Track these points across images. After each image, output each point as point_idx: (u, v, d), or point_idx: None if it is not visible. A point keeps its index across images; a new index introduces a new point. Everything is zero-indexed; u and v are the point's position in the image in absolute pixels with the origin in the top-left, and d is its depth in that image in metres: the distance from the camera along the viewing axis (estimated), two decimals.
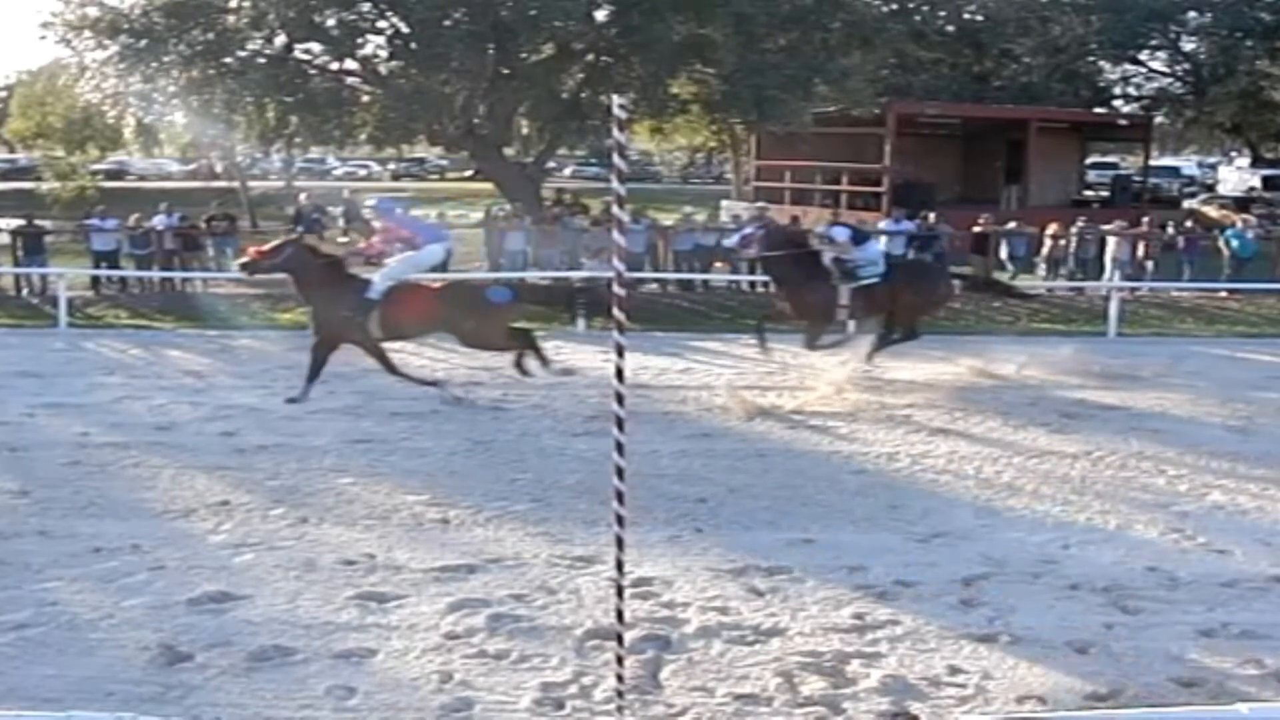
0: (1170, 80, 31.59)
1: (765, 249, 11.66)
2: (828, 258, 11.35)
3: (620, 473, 4.37)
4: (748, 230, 12.58)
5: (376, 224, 10.56)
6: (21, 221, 18.44)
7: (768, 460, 8.51)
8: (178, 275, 17.70)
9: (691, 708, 4.75)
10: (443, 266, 11.45)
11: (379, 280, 9.89)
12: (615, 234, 4.52)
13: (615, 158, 4.29)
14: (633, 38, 18.99)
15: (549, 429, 9.40)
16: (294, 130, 21.72)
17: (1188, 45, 30.53)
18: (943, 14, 27.46)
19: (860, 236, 11.86)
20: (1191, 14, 29.48)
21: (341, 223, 20.04)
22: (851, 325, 11.61)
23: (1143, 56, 31.26)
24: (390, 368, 10.16)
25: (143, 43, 18.63)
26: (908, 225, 19.22)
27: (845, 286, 11.24)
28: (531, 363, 10.16)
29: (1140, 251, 18.86)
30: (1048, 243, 18.95)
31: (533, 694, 4.83)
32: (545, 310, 12.38)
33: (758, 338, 11.66)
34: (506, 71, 19.44)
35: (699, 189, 40.60)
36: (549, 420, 9.71)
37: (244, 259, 10.71)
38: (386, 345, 10.16)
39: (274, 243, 10.73)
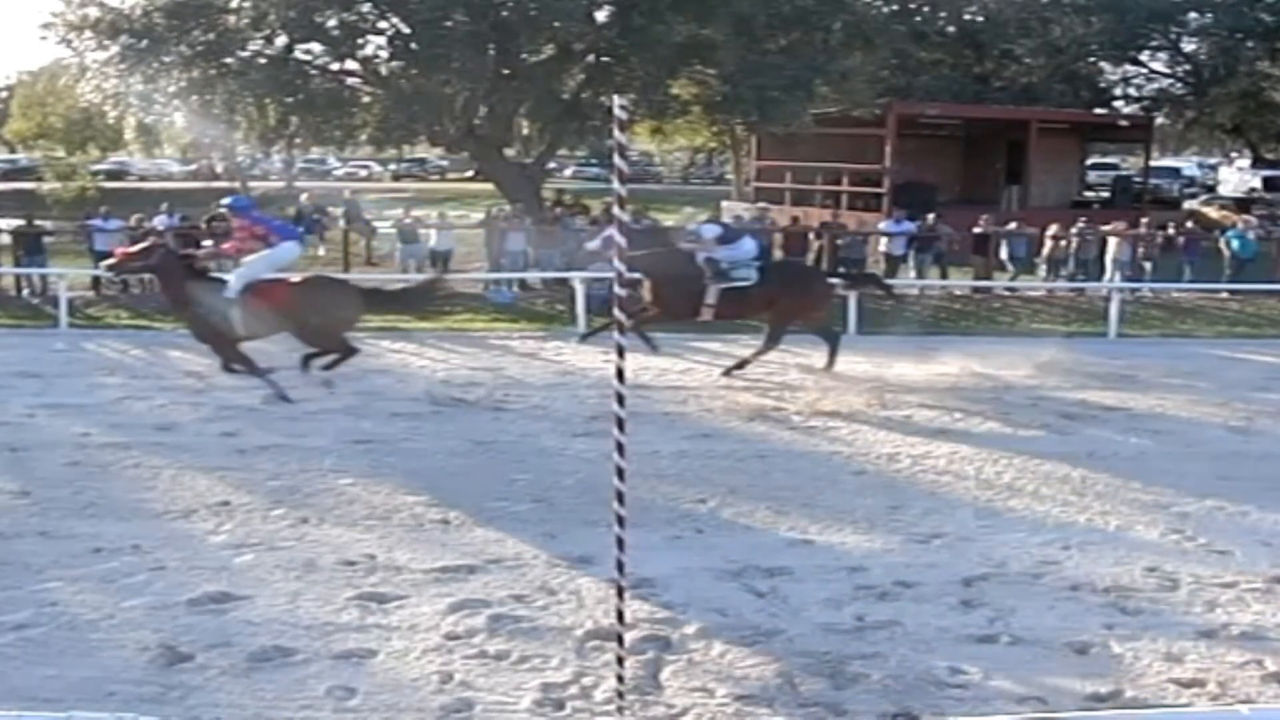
0: (1171, 81, 31.57)
1: (625, 250, 11.62)
2: (700, 257, 11.35)
3: (620, 473, 4.37)
4: (607, 231, 12.48)
5: (233, 223, 10.63)
6: (21, 222, 18.44)
7: (768, 461, 8.51)
8: None
9: (691, 708, 4.75)
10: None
11: (235, 279, 10.01)
12: (616, 234, 4.53)
13: (616, 158, 4.29)
14: (633, 38, 18.99)
15: (549, 429, 9.40)
16: (294, 131, 21.74)
17: (1188, 46, 30.50)
18: (943, 15, 27.51)
19: (732, 235, 11.82)
20: (1192, 15, 29.45)
21: (342, 223, 20.06)
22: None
23: (1143, 57, 31.24)
24: (228, 365, 10.16)
25: (143, 43, 18.65)
26: (908, 226, 19.22)
27: (715, 286, 11.20)
28: (315, 362, 10.19)
29: (1140, 252, 18.88)
30: (1048, 243, 18.94)
31: (533, 694, 4.83)
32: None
33: (642, 339, 11.50)
34: (507, 72, 19.44)
35: (700, 190, 40.61)
36: (549, 421, 9.72)
37: (110, 261, 10.92)
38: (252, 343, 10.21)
39: (141, 245, 10.92)
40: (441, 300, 11.29)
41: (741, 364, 11.49)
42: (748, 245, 11.75)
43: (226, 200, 11.46)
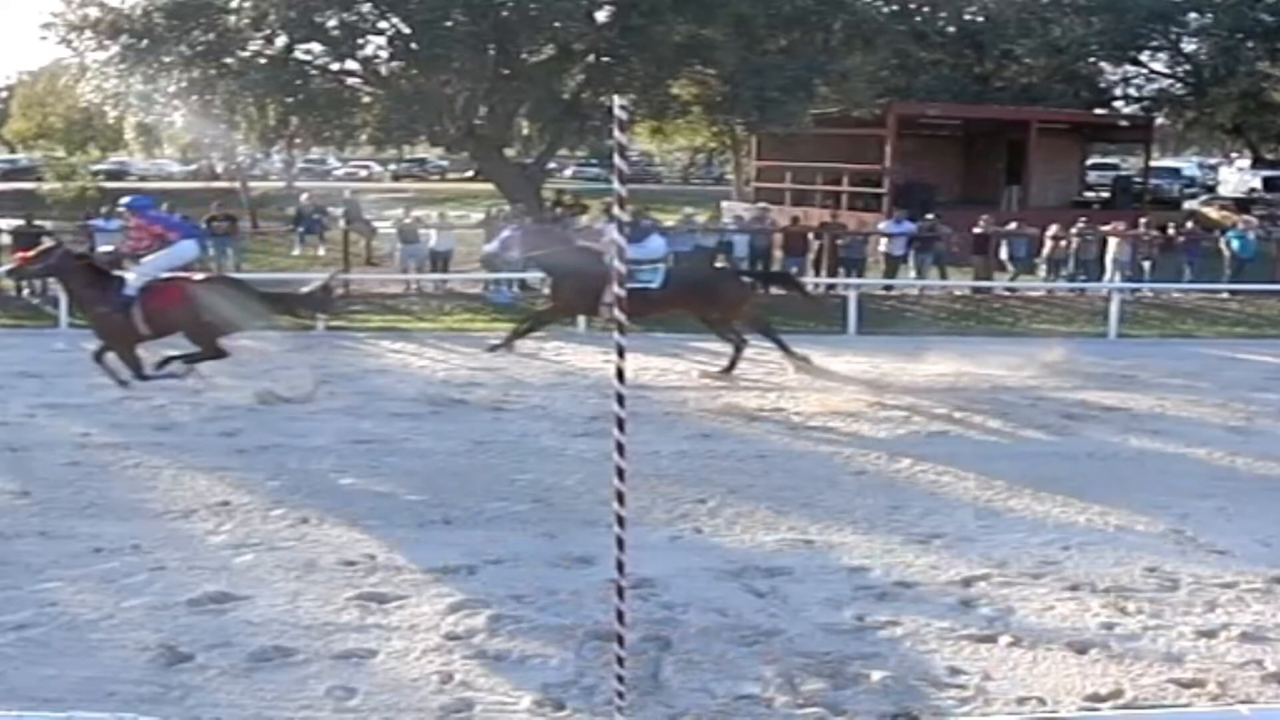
0: (1171, 81, 31.56)
1: (525, 249, 11.70)
2: (607, 256, 11.37)
3: (620, 473, 4.37)
4: (505, 233, 12.50)
5: (130, 222, 10.65)
6: (21, 222, 18.44)
7: (768, 461, 8.51)
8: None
9: (691, 708, 4.75)
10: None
11: (134, 278, 10.00)
12: (615, 235, 4.53)
13: (616, 158, 4.29)
14: (633, 38, 19.00)
15: (549, 429, 9.40)
16: (294, 131, 21.78)
17: (1188, 46, 30.49)
18: (943, 15, 27.51)
19: (638, 234, 11.82)
20: (1192, 15, 29.44)
21: (342, 223, 20.06)
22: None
23: (1143, 58, 31.23)
24: (138, 370, 10.14)
25: (144, 43, 18.66)
26: (909, 226, 19.23)
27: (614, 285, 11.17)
28: (174, 363, 10.19)
29: (1140, 252, 18.88)
30: (1048, 244, 18.95)
31: (533, 694, 4.83)
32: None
33: (517, 336, 11.70)
34: (507, 72, 19.45)
35: (700, 190, 40.60)
36: (549, 421, 9.71)
37: (9, 265, 10.92)
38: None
39: (40, 248, 10.95)
40: (342, 301, 11.25)
41: (729, 368, 11.48)
42: (654, 245, 11.76)
43: (125, 200, 11.43)
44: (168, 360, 10.18)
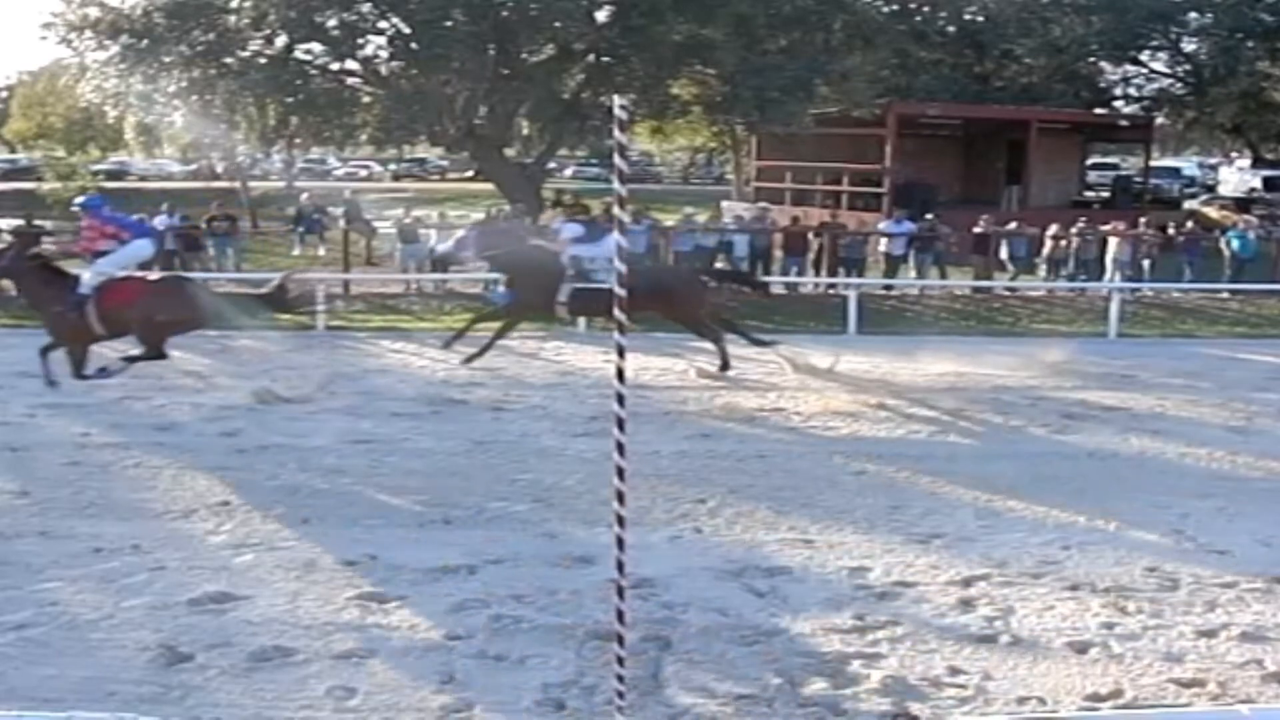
0: (1171, 81, 31.55)
1: (480, 249, 11.74)
2: (565, 255, 11.38)
3: (620, 473, 4.37)
4: (460, 234, 12.61)
5: (83, 222, 10.63)
6: (21, 222, 18.44)
7: (768, 460, 8.51)
8: None
9: (691, 708, 4.75)
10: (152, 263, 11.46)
11: (89, 277, 9.99)
12: (616, 234, 4.52)
13: (616, 158, 4.29)
14: (633, 38, 19.01)
15: (549, 429, 9.40)
16: (294, 131, 21.79)
17: (1188, 46, 30.48)
18: (943, 15, 27.50)
19: (595, 234, 11.84)
20: (1192, 15, 29.43)
21: (342, 223, 20.06)
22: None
23: (1143, 57, 31.22)
24: (78, 369, 10.12)
25: (144, 43, 18.66)
26: (908, 226, 19.22)
27: (568, 285, 11.23)
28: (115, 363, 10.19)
29: (1140, 251, 18.88)
30: (1048, 243, 18.94)
31: (533, 694, 4.83)
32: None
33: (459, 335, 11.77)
34: (507, 72, 19.46)
35: (700, 189, 40.59)
36: (549, 420, 9.71)
37: None
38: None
39: None
40: (298, 301, 11.24)
41: (723, 366, 11.48)
42: (611, 244, 11.74)
43: (79, 199, 11.45)
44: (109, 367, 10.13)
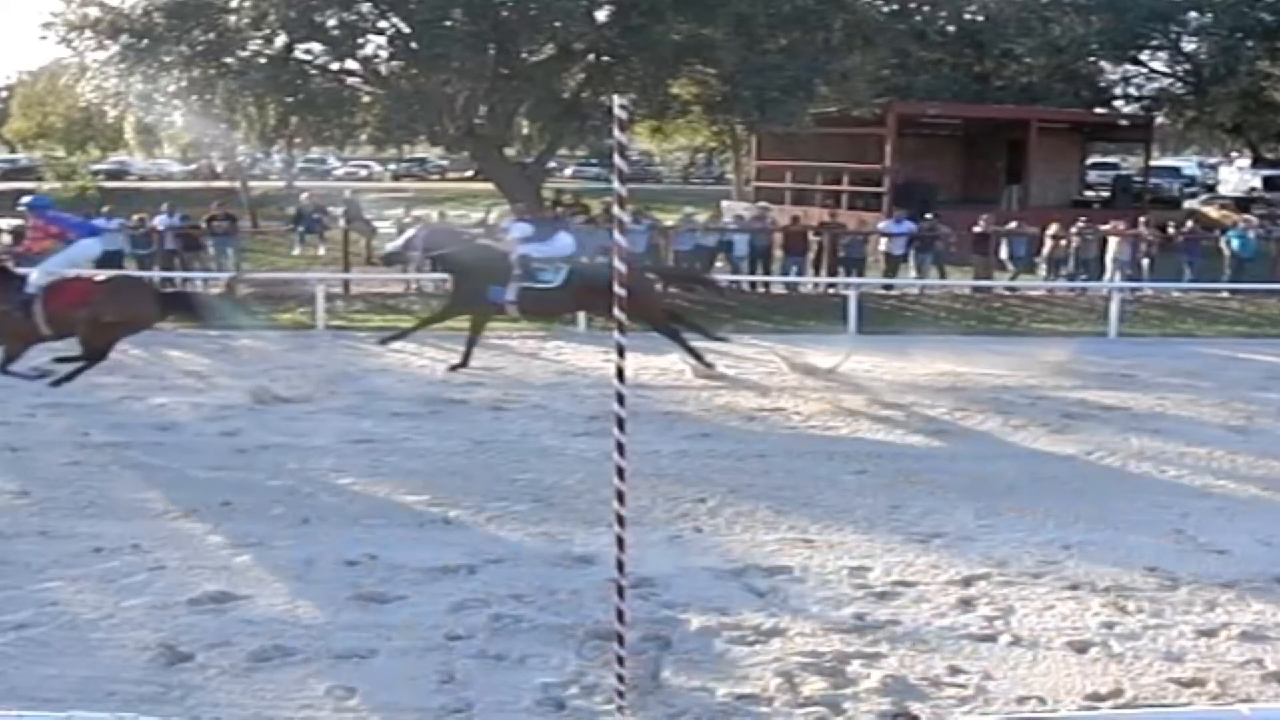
0: (1171, 81, 31.54)
1: (428, 248, 11.79)
2: (513, 254, 11.40)
3: (620, 473, 4.37)
4: (409, 233, 12.65)
5: (29, 222, 10.59)
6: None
7: (768, 460, 8.50)
8: (178, 275, 17.69)
9: (691, 708, 4.75)
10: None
11: (35, 276, 9.93)
12: (616, 234, 4.53)
13: (616, 158, 4.29)
14: (633, 38, 18.98)
15: (549, 429, 9.40)
16: (294, 130, 21.74)
17: (1188, 46, 30.47)
18: (943, 14, 27.45)
19: (545, 233, 11.84)
20: (1192, 14, 29.42)
21: (342, 223, 20.06)
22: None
23: (1143, 57, 31.21)
24: (6, 364, 10.03)
25: (143, 43, 18.63)
26: (908, 226, 19.23)
27: (515, 284, 11.25)
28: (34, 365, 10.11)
29: (1140, 251, 18.88)
30: (1048, 243, 18.95)
31: (533, 694, 4.82)
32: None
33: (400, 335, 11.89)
34: (507, 72, 19.43)
35: (700, 189, 40.60)
36: (549, 420, 9.71)
37: None
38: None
39: None
40: (247, 302, 11.25)
41: (706, 365, 11.47)
42: (560, 243, 11.78)
43: (25, 199, 11.36)
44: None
